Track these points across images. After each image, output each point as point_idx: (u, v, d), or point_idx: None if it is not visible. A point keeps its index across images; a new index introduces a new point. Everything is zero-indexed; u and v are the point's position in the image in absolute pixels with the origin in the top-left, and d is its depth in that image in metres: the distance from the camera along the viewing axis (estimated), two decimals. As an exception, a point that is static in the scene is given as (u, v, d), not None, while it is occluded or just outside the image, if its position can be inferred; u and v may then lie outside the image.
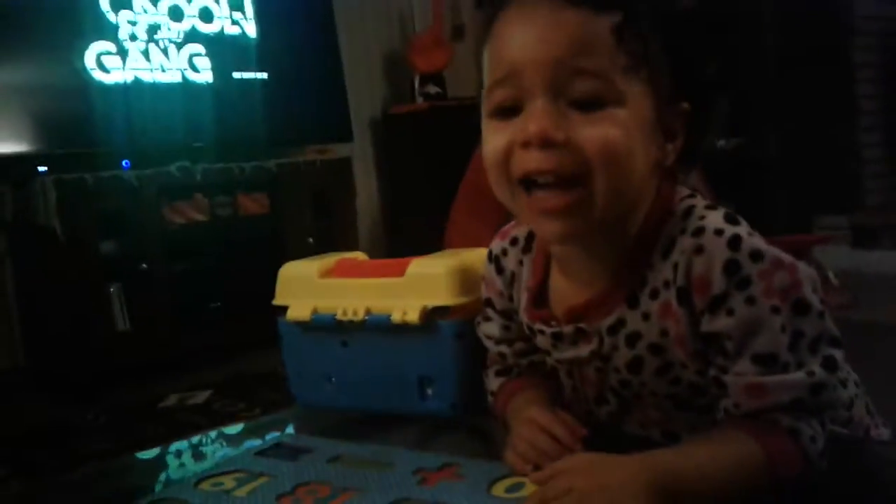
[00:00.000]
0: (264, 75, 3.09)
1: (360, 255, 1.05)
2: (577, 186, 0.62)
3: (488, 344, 0.84)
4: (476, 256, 0.93)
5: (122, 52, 2.74)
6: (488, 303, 0.83)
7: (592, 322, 0.70)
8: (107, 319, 2.47)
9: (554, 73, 0.62)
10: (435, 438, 0.88)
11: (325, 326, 0.93)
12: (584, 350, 0.72)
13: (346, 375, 0.95)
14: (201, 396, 2.28)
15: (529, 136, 0.62)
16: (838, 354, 0.64)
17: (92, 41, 2.67)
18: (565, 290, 0.73)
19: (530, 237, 0.78)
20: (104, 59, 2.69)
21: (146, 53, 2.80)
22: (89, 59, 2.66)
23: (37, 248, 2.54)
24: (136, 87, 2.76)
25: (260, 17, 3.08)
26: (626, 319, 0.69)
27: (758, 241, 0.65)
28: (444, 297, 0.87)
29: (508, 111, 0.65)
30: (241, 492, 0.70)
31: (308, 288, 0.96)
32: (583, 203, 0.63)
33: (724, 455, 0.61)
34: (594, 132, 0.62)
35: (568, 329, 0.72)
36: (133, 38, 2.77)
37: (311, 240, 2.90)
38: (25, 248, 2.63)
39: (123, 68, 2.74)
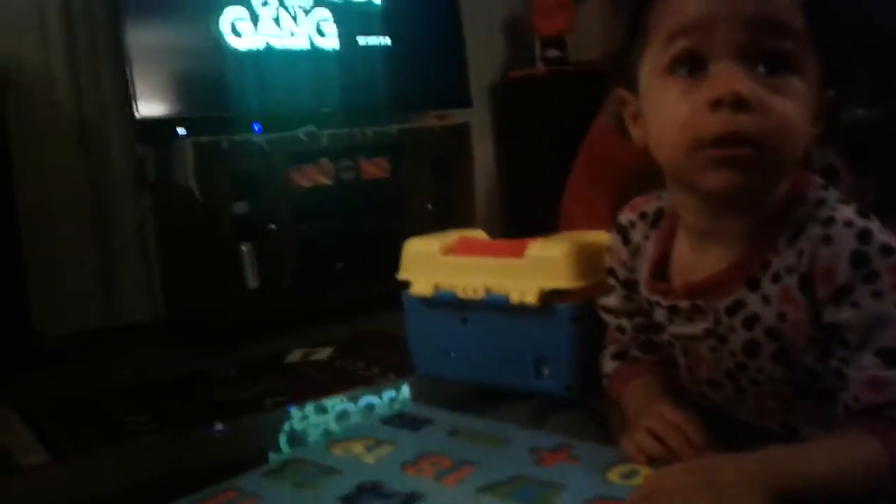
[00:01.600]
0: (387, 41, 3.14)
1: (479, 233, 1.08)
2: (753, 146, 0.62)
3: (608, 318, 0.85)
4: (595, 239, 0.95)
5: (255, 18, 2.84)
6: (611, 272, 0.84)
7: (711, 300, 0.70)
8: (238, 277, 2.61)
9: (751, 33, 0.62)
10: (549, 417, 0.91)
11: (446, 302, 0.97)
12: (699, 327, 0.72)
13: (464, 350, 0.99)
14: (324, 353, 2.39)
15: (723, 95, 0.61)
16: None
17: (226, 6, 2.78)
18: (687, 265, 0.74)
19: (659, 213, 0.79)
20: (238, 24, 2.81)
21: (277, 20, 2.89)
22: (224, 24, 2.78)
23: (177, 207, 2.71)
24: (267, 53, 2.86)
25: (384, -17, 3.12)
26: (745, 301, 0.69)
27: (888, 237, 0.64)
28: (562, 280, 0.90)
29: (687, 65, 0.64)
30: (370, 457, 0.75)
31: (430, 264, 1.01)
32: (756, 160, 0.63)
33: (845, 455, 0.61)
34: (777, 102, 0.62)
35: (685, 304, 0.73)
36: (265, 3, 2.87)
37: (429, 205, 2.95)
38: (167, 206, 2.80)
39: (255, 33, 2.85)
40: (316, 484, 0.71)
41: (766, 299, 0.68)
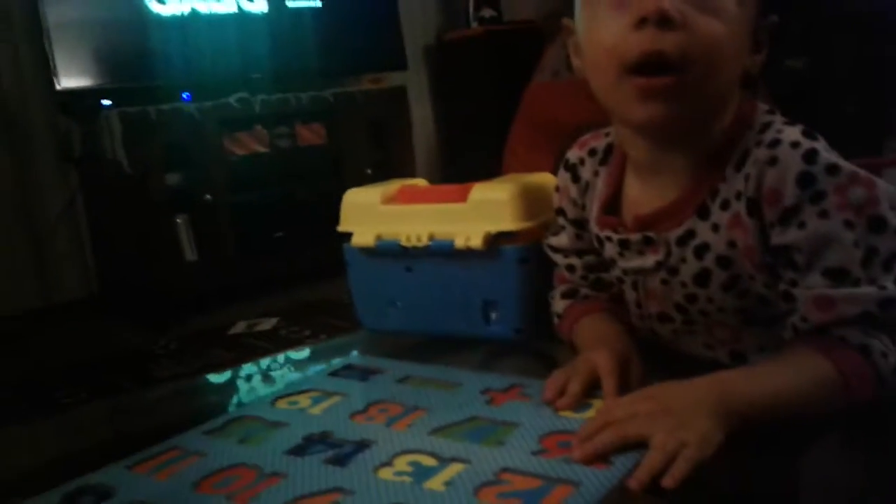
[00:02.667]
0: (318, 4, 3.06)
1: (421, 182, 1.06)
2: (677, 72, 0.62)
3: (557, 258, 0.85)
4: (539, 181, 0.93)
5: (178, -17, 2.74)
6: (560, 212, 0.83)
7: (661, 232, 0.71)
8: (175, 250, 2.54)
9: None
10: (498, 362, 0.90)
11: (389, 252, 0.95)
12: (649, 260, 0.72)
13: (410, 300, 0.97)
14: (268, 323, 2.34)
15: (647, 13, 0.61)
16: None
17: (148, -28, 2.67)
18: (637, 198, 0.73)
19: (608, 150, 0.78)
20: (161, -10, 2.70)
21: (202, -16, 2.79)
22: (147, -10, 2.68)
23: (106, 182, 2.61)
24: (193, 18, 2.77)
25: (313, -56, 3.04)
26: (695, 231, 0.69)
27: (834, 157, 0.64)
28: (507, 222, 0.88)
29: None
30: (316, 409, 0.73)
31: (371, 214, 0.98)
32: (680, 88, 0.62)
33: (794, 374, 0.61)
34: (705, 22, 0.61)
35: (635, 237, 0.72)
36: (188, -32, 2.76)
37: (368, 170, 2.91)
38: (95, 181, 2.70)
39: (181, 0, 2.75)
40: (262, 438, 0.69)
41: (715, 227, 0.68)
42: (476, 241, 0.88)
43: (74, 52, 2.54)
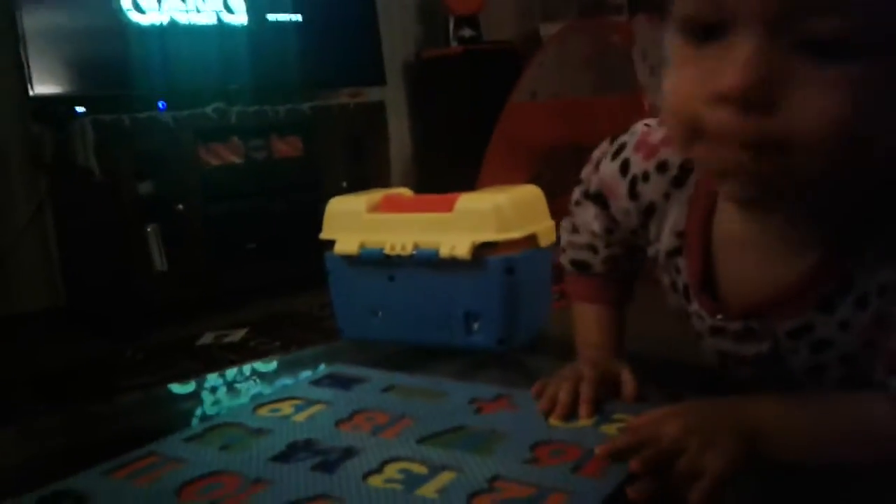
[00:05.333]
0: (298, 17, 3.06)
1: (405, 191, 1.05)
2: (778, 154, 0.45)
3: (577, 235, 0.74)
4: (526, 192, 0.94)
5: (158, -7, 2.72)
6: (599, 199, 0.69)
7: (774, 321, 0.57)
8: (145, 260, 2.50)
9: (783, 2, 0.43)
10: (481, 373, 0.89)
11: (372, 260, 0.94)
12: (749, 349, 0.59)
13: (392, 309, 0.96)
14: (237, 335, 2.31)
15: (726, 90, 0.44)
16: None
17: (128, -20, 2.65)
18: (743, 269, 0.58)
19: (686, 167, 0.60)
20: (140, 0, 2.68)
21: (181, -6, 2.78)
22: (125, 0, 2.65)
23: (76, 189, 2.57)
24: (172, 29, 2.75)
25: (294, -41, 3.05)
26: (814, 325, 0.55)
27: None
28: (493, 232, 0.88)
29: (705, 28, 0.46)
30: (300, 417, 0.71)
31: (355, 222, 0.97)
32: (781, 170, 0.46)
33: (841, 410, 0.53)
34: (821, 98, 0.43)
35: (735, 325, 0.59)
36: (169, -22, 2.75)
37: (344, 184, 2.90)
38: (65, 189, 2.66)
39: (160, 10, 2.73)
40: (244, 445, 0.67)
41: (843, 325, 0.54)
42: (461, 251, 0.87)
43: (50, 59, 2.51)
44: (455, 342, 0.91)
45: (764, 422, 0.53)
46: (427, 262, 0.90)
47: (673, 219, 0.62)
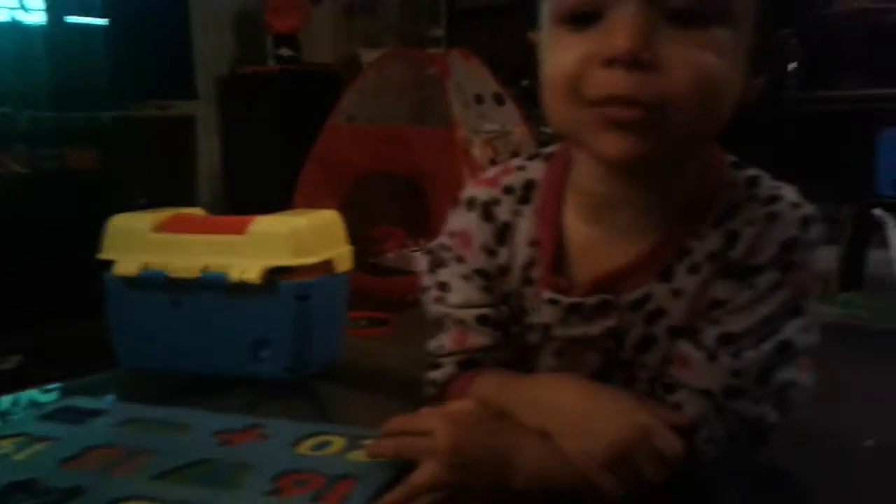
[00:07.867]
0: (104, 21, 2.88)
1: (198, 211, 0.99)
2: (656, 111, 0.51)
3: (461, 314, 0.66)
4: (322, 218, 0.91)
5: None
6: (459, 260, 0.66)
7: (620, 294, 0.60)
8: None
9: None
10: (266, 404, 0.85)
11: (154, 284, 0.88)
12: (596, 327, 0.60)
13: (175, 337, 0.89)
14: (11, 361, 2.10)
15: (616, 53, 0.50)
16: (798, 377, 0.58)
17: None
18: (590, 249, 0.61)
19: (528, 186, 0.65)
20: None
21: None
22: None
23: None
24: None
25: (102, -41, 2.87)
26: (652, 294, 0.59)
27: (818, 232, 0.58)
28: (287, 257, 0.84)
29: (582, 18, 0.53)
30: (21, 455, 0.65)
31: (139, 242, 0.90)
32: (660, 124, 0.51)
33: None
34: (690, 56, 0.51)
35: (591, 300, 0.60)
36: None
37: (143, 200, 2.73)
38: None
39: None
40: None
41: (677, 293, 0.58)
42: (252, 275, 0.83)
43: None
44: (240, 371, 0.87)
45: (521, 458, 0.55)
46: (215, 286, 0.85)
47: (524, 232, 0.64)
